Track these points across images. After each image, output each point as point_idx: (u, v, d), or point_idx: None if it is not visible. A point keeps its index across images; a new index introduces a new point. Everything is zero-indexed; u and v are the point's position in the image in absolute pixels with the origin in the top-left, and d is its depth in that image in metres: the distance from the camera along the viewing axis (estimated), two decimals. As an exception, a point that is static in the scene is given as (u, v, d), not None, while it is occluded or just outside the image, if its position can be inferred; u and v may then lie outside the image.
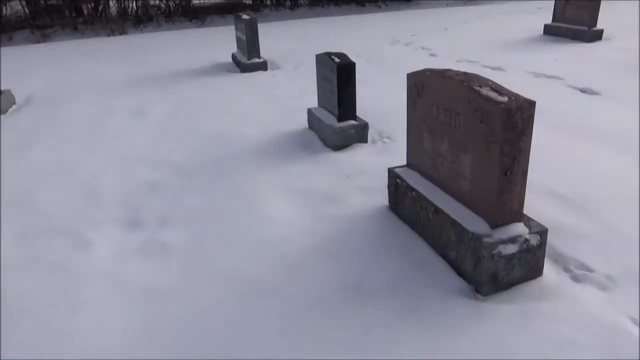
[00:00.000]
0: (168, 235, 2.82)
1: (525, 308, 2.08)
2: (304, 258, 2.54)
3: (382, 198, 3.07)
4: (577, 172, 3.27)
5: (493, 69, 6.22)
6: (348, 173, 3.45)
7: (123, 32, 11.60)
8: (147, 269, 2.52)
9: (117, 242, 2.78)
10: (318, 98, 4.32)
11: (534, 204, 2.75)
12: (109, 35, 11.34)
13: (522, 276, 2.20)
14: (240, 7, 13.39)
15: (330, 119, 3.97)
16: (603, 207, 2.82)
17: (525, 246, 2.15)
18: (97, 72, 7.27)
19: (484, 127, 2.04)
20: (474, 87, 2.08)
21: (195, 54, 8.21)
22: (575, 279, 2.28)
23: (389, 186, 2.91)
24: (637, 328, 1.97)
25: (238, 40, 7.37)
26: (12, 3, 12.54)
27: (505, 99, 1.96)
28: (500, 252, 2.09)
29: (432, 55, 7.40)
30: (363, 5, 14.68)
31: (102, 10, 12.58)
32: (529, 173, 2.15)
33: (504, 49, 7.39)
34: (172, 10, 13.48)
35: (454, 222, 2.27)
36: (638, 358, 1.83)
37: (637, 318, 2.02)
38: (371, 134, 4.09)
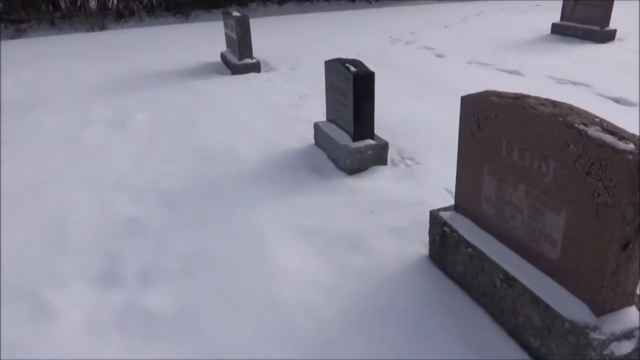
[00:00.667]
0: (153, 299, 2.21)
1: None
2: (325, 333, 1.97)
3: (418, 243, 2.50)
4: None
5: (510, 72, 5.69)
6: (371, 207, 2.87)
7: (103, 27, 10.90)
8: (126, 353, 1.92)
9: (87, 309, 2.16)
10: (326, 110, 3.73)
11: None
12: (88, 31, 10.62)
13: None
14: (225, 2, 12.66)
15: (343, 138, 3.38)
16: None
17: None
18: (74, 73, 6.54)
19: (594, 181, 1.48)
20: (577, 125, 1.51)
21: (180, 52, 7.54)
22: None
23: (431, 234, 2.33)
24: None
25: (228, 38, 6.71)
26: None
27: (631, 146, 1.40)
28: (612, 354, 1.53)
29: (439, 56, 6.85)
30: (353, 1, 14.05)
31: (81, 4, 11.76)
32: None
33: (514, 50, 6.87)
34: (154, 4, 12.71)
35: (537, 301, 1.70)
36: None
37: None
38: (390, 153, 3.51)
